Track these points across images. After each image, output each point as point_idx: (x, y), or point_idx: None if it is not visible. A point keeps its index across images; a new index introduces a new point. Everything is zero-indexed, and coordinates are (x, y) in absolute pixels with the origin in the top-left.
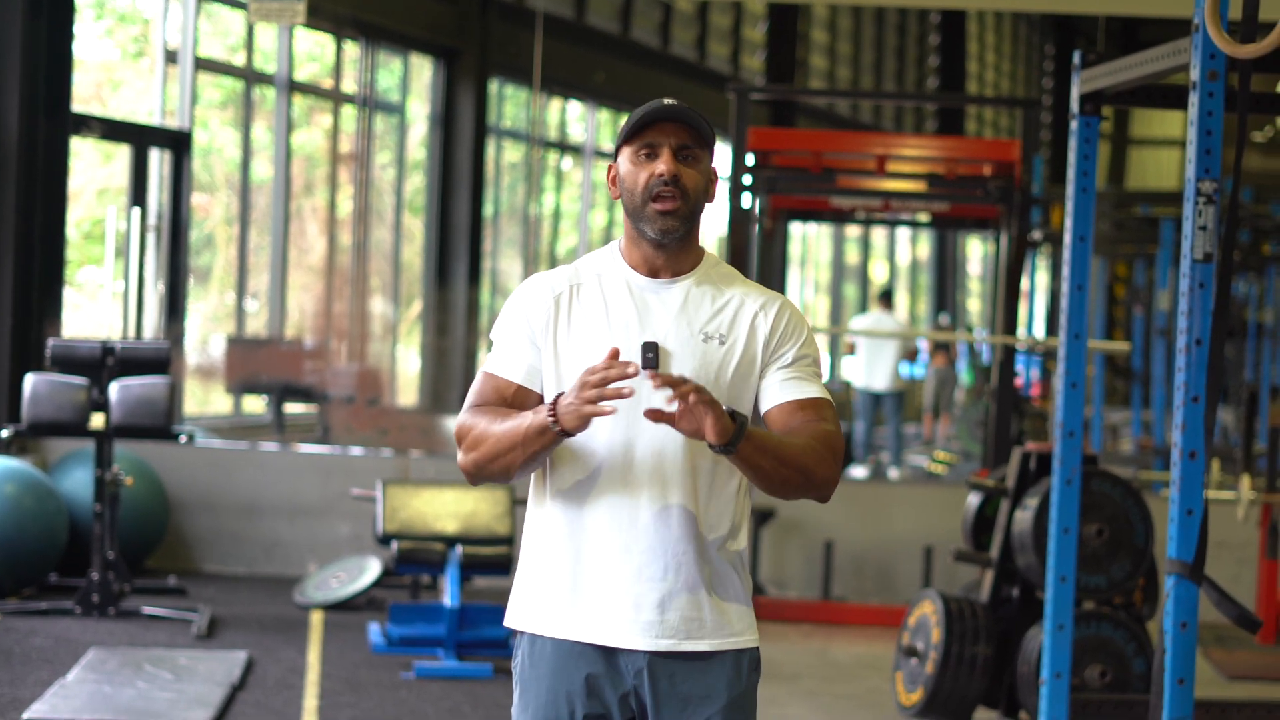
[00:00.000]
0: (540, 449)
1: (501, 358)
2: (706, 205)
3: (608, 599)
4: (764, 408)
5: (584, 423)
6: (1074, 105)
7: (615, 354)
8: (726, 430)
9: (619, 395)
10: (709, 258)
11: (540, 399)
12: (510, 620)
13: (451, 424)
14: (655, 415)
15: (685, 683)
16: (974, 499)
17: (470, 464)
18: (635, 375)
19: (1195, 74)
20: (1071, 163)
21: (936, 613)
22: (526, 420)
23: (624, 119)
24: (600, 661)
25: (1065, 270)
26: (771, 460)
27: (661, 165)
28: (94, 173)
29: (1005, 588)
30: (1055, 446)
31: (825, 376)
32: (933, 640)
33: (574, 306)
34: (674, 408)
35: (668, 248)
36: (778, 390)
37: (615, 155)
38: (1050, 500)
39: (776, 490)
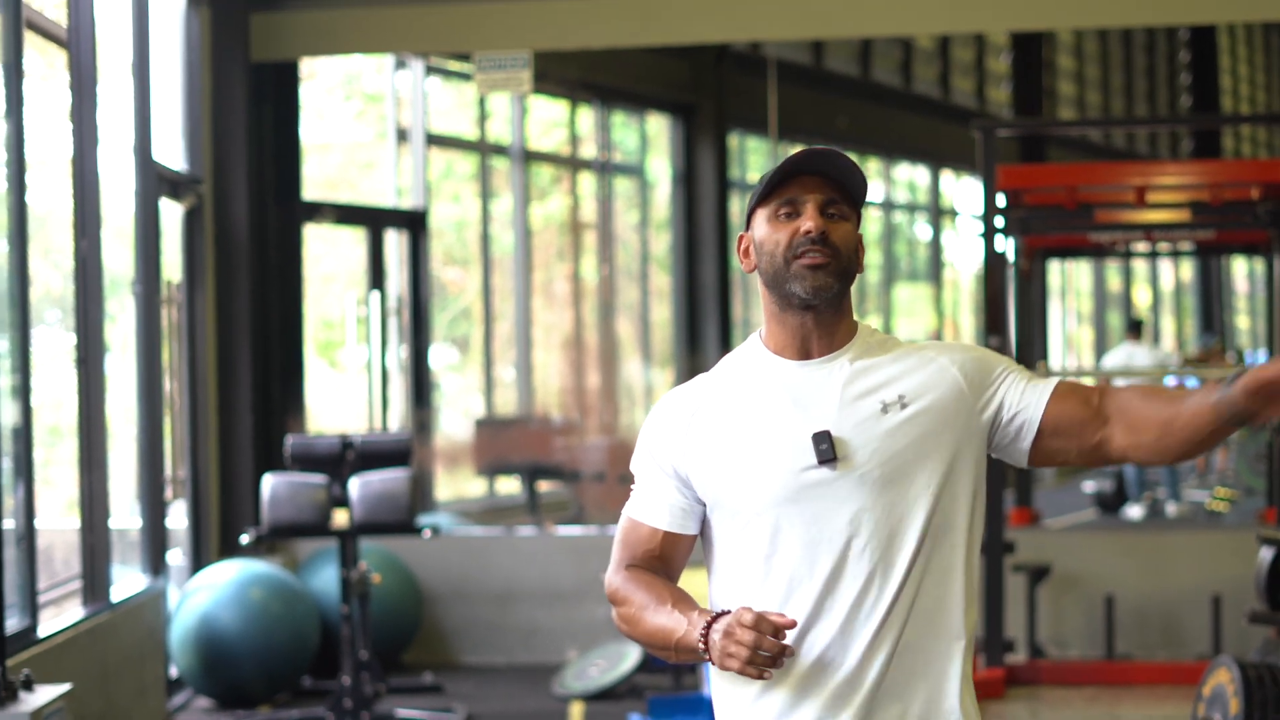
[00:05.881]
0: (694, 660)
1: (643, 501)
2: (856, 274)
3: None
4: (1036, 418)
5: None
6: None
7: (777, 624)
8: None
9: (771, 664)
10: (864, 328)
11: (692, 541)
12: None
13: None
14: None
15: None
16: (1266, 553)
17: (625, 634)
18: (789, 652)
19: None
20: None
21: (1234, 681)
22: (680, 630)
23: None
24: None
25: None
26: None
27: (807, 222)
28: (336, 256)
29: None
30: None
31: None
32: (1230, 711)
33: (717, 415)
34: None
35: (820, 311)
36: (1038, 392)
37: (746, 224)
38: None
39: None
